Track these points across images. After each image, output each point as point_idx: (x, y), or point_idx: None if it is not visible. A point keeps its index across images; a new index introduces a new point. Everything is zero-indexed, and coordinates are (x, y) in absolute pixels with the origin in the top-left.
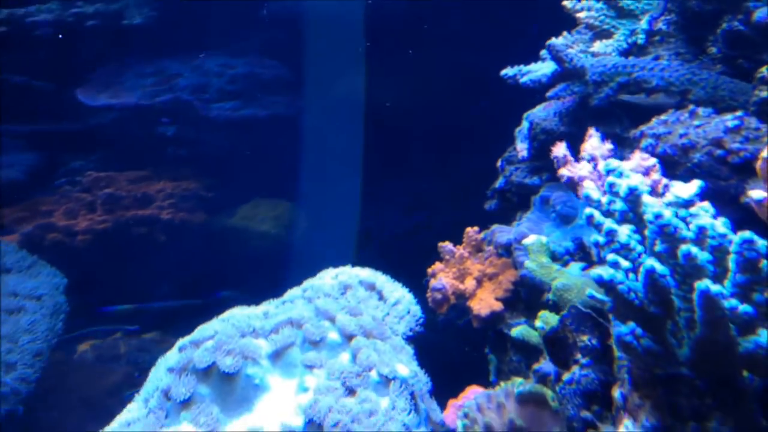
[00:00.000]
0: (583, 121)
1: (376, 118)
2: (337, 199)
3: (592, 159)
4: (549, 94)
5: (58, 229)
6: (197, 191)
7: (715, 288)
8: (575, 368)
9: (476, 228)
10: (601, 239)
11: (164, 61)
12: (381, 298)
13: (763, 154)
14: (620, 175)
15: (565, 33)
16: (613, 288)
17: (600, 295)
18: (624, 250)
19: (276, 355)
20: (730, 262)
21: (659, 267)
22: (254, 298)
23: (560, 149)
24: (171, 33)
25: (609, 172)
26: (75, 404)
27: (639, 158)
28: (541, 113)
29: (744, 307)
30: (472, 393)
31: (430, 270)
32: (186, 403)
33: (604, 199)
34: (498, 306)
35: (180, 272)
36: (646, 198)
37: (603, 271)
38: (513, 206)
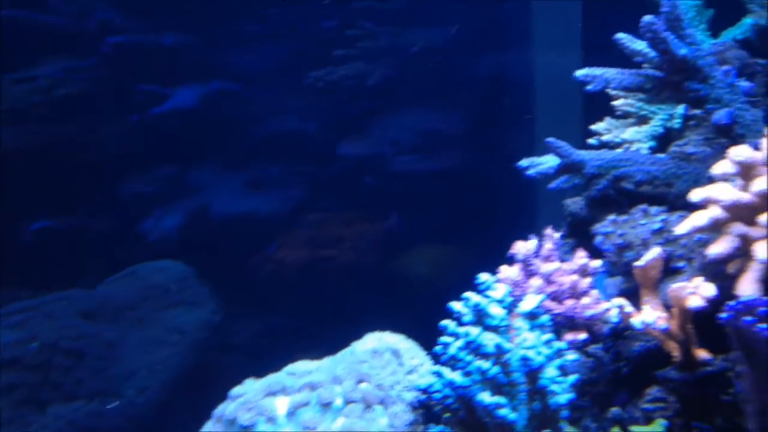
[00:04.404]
0: (591, 208)
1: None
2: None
3: (525, 260)
4: (550, 185)
5: (275, 260)
6: (375, 235)
7: (489, 399)
8: None
9: None
10: (440, 349)
11: (385, 116)
12: (401, 364)
13: (640, 262)
14: (486, 288)
15: (606, 118)
16: (429, 394)
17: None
18: (452, 360)
19: (292, 414)
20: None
21: (458, 379)
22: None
23: (518, 247)
24: (401, 89)
25: (478, 285)
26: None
27: (578, 256)
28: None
29: (512, 416)
30: None
31: None
32: None
33: (464, 311)
34: None
35: (347, 307)
36: (494, 309)
37: (421, 379)
38: None
